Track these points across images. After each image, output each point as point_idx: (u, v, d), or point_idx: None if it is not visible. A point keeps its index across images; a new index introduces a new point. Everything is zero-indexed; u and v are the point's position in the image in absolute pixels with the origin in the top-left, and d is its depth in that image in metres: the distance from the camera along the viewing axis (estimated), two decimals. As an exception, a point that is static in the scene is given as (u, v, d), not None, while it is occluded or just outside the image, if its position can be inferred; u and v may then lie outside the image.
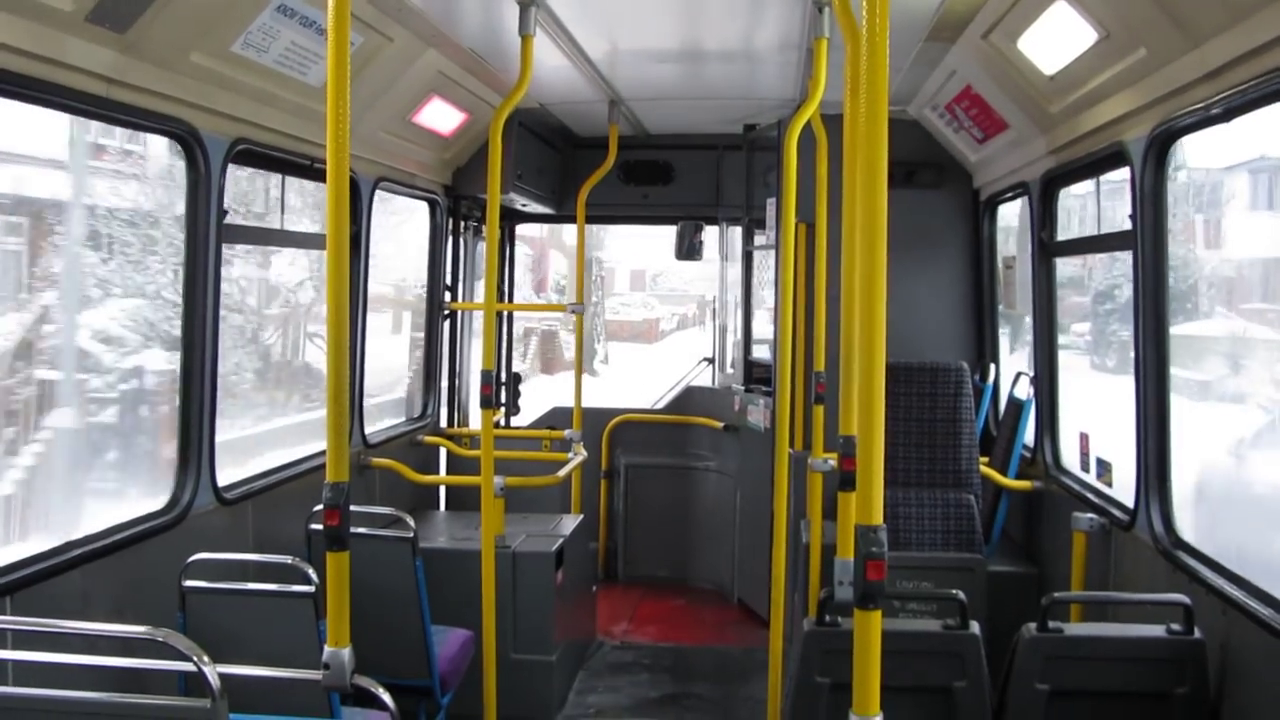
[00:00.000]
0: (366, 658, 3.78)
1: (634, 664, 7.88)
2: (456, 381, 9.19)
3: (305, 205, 9.35)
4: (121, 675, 3.83)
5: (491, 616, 5.65)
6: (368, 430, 7.37)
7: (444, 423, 9.01)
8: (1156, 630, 4.16)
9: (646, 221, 10.57)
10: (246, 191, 9.63)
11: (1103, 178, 5.96)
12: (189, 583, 4.42)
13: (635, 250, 48.16)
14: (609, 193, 9.37)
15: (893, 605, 5.81)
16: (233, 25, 4.69)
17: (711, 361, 10.28)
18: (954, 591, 4.20)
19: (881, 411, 2.85)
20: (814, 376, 6.27)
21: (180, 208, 5.13)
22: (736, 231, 9.54)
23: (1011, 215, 7.96)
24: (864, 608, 2.85)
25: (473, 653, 6.00)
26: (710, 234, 9.97)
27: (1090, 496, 5.83)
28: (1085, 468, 6.14)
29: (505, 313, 9.88)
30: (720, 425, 9.37)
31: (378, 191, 7.12)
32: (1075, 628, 4.46)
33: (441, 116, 7.30)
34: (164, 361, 10.10)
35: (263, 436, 11.37)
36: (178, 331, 5.15)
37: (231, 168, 5.27)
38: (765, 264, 9.29)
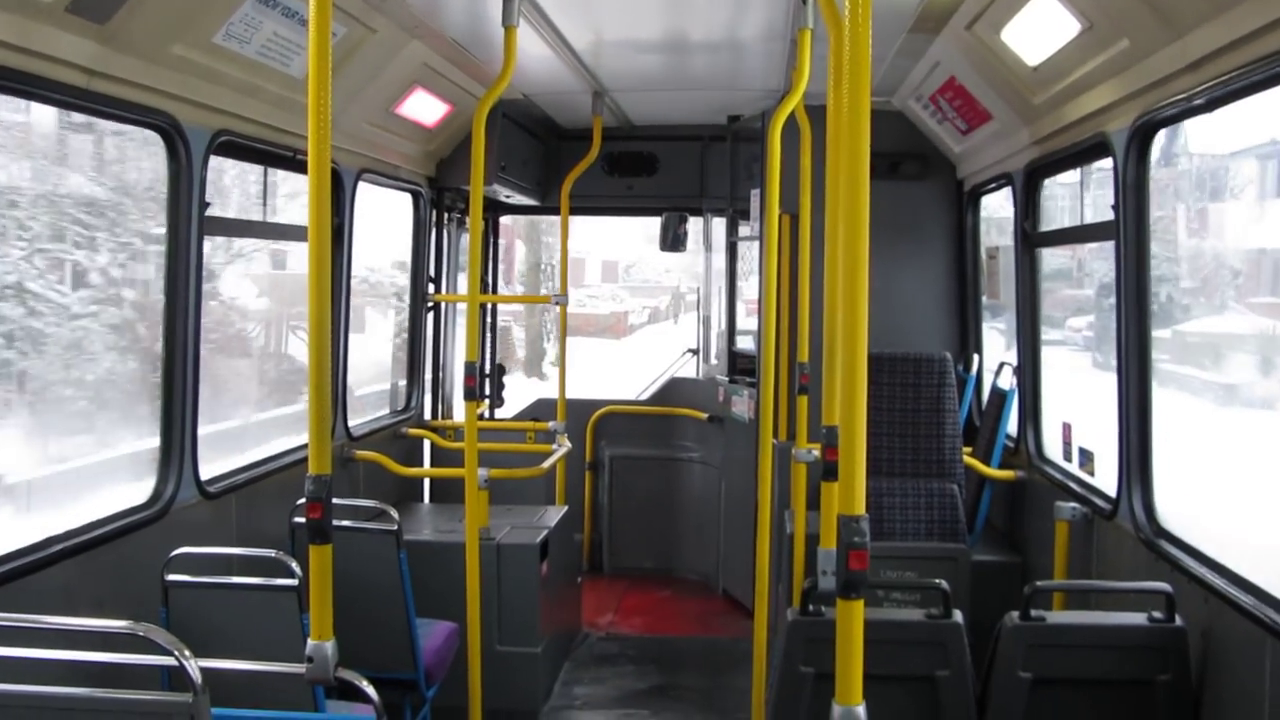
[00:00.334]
0: (351, 651, 3.77)
1: (619, 655, 7.89)
2: (440, 374, 9.18)
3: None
4: (103, 670, 3.81)
5: (476, 609, 5.64)
6: (351, 423, 7.36)
7: (428, 415, 8.99)
8: (1138, 618, 4.19)
9: (631, 213, 10.55)
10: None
11: (1093, 166, 5.99)
12: (171, 577, 4.40)
13: (607, 240, 46.63)
14: (593, 184, 9.36)
15: (876, 595, 5.83)
16: (214, 16, 4.66)
17: (696, 353, 10.28)
18: (937, 581, 4.22)
19: (864, 402, 2.85)
20: (798, 367, 6.28)
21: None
22: (721, 223, 9.55)
23: (995, 206, 7.98)
24: (847, 597, 2.85)
25: (458, 645, 6.00)
26: (695, 225, 9.98)
27: (1073, 486, 5.86)
28: (1068, 457, 6.17)
29: (489, 304, 9.86)
30: (704, 416, 9.38)
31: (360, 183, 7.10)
32: (1058, 616, 4.48)
33: (425, 108, 7.28)
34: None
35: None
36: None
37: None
38: (749, 255, 9.30)
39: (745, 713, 6.18)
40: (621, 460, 9.78)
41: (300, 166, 5.94)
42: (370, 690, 3.59)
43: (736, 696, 6.94)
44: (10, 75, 3.87)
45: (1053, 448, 6.49)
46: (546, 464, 7.28)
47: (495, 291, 10.40)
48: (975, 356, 7.83)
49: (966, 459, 6.79)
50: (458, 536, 6.43)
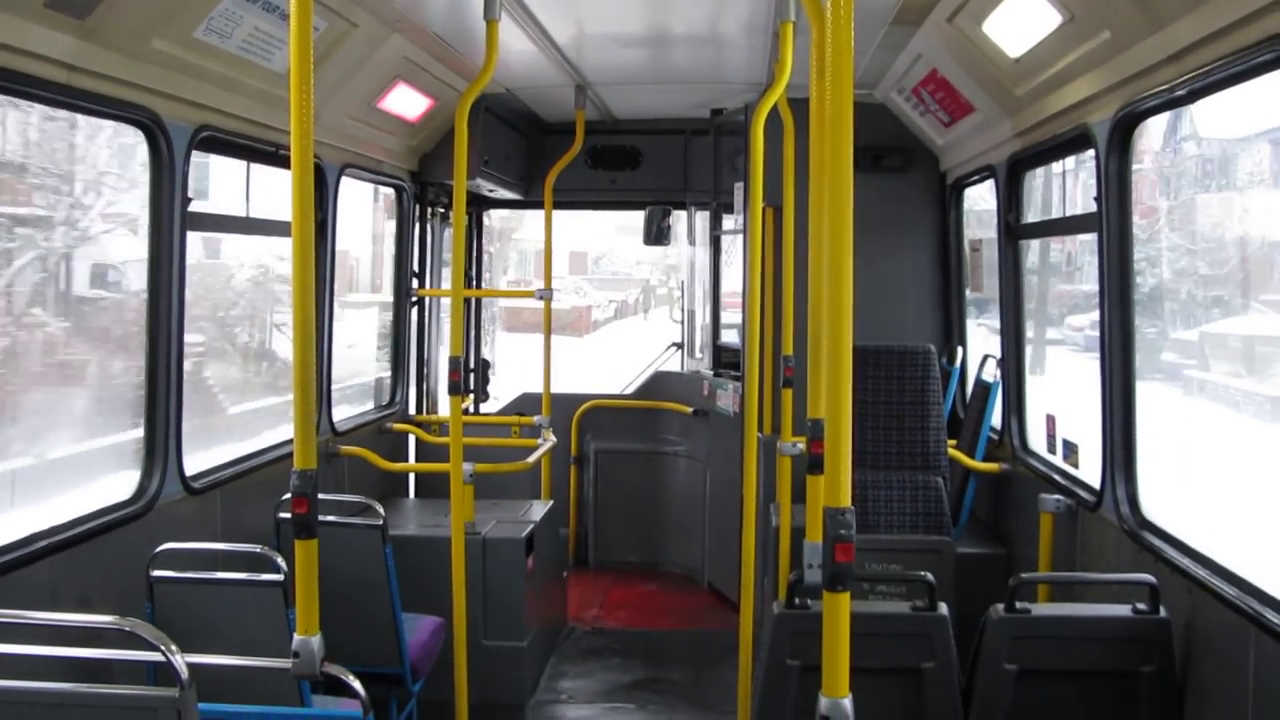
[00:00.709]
0: (337, 646, 3.76)
1: (605, 649, 7.90)
2: (425, 368, 9.17)
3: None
4: (89, 666, 3.80)
5: (462, 603, 5.64)
6: (336, 418, 7.34)
7: (413, 410, 8.98)
8: (1122, 610, 4.20)
9: (614, 207, 10.55)
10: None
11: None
12: (157, 572, 4.39)
13: (577, 230, 44.69)
14: (576, 178, 9.36)
15: (862, 587, 5.84)
16: (195, 11, 4.63)
17: (680, 346, 10.28)
18: (922, 573, 4.23)
19: (849, 395, 2.86)
20: (782, 360, 6.29)
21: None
22: (704, 216, 9.54)
23: (978, 197, 8.00)
24: (833, 590, 2.86)
25: (443, 639, 5.99)
26: (679, 218, 9.98)
27: (1057, 478, 5.88)
28: (1052, 449, 6.20)
29: (473, 299, 9.85)
30: (689, 410, 9.37)
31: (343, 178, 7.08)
32: (1042, 608, 4.50)
33: (407, 102, 7.26)
34: None
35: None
36: None
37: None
38: (733, 248, 9.30)
39: (731, 706, 6.19)
40: (606, 454, 9.78)
41: (283, 161, 5.92)
42: (356, 685, 3.59)
43: (722, 690, 6.95)
44: None
45: (1036, 440, 6.51)
46: (532, 458, 7.28)
47: (479, 286, 10.38)
48: (959, 349, 7.84)
49: (951, 451, 6.80)
50: (443, 531, 6.42)
